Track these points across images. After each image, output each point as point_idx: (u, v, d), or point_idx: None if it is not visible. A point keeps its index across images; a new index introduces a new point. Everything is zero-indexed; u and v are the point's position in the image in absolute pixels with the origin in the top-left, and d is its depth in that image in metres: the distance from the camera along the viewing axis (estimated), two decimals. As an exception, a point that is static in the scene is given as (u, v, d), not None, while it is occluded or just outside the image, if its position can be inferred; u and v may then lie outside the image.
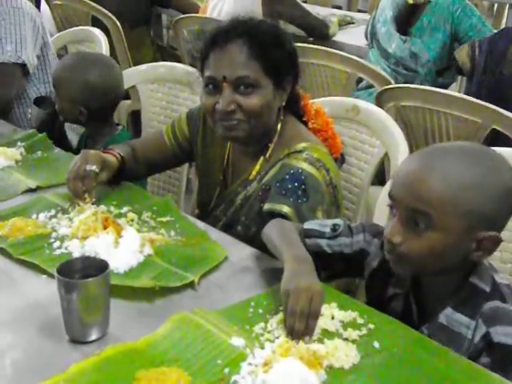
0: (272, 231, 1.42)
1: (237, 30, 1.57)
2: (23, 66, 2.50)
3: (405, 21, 3.02)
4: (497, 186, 1.13)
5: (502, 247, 1.26)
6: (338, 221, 1.42)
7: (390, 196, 1.20)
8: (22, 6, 2.54)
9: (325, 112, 1.75)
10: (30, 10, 2.58)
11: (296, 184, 1.54)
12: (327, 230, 1.39)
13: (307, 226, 1.42)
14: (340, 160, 1.74)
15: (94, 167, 1.60)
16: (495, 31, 2.93)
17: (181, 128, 1.83)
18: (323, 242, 1.38)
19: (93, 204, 1.58)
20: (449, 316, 1.20)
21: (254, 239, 1.58)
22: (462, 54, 2.48)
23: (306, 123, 1.71)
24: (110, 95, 2.08)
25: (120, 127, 2.17)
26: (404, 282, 1.29)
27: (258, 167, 1.66)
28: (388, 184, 1.27)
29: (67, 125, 2.40)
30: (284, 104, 1.64)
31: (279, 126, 1.65)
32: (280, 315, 1.21)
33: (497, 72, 2.39)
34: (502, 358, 1.12)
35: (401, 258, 1.18)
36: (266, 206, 1.57)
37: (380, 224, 1.42)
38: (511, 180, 1.15)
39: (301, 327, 1.14)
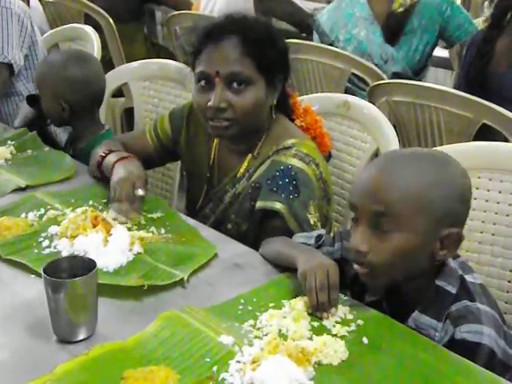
0: (274, 246, 1.44)
1: (231, 26, 1.56)
2: (9, 65, 2.49)
3: (394, 30, 2.88)
4: (454, 184, 1.17)
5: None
6: (322, 231, 1.45)
7: (351, 206, 1.20)
8: (10, 6, 2.52)
9: (313, 111, 1.74)
10: (19, 10, 2.56)
11: (287, 180, 1.54)
12: (312, 241, 1.41)
13: (295, 239, 1.45)
14: (326, 157, 1.74)
15: (142, 193, 1.58)
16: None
17: (163, 128, 1.83)
18: None
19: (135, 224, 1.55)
20: (416, 319, 1.21)
21: (244, 237, 1.59)
22: (452, 51, 2.44)
23: (293, 121, 1.71)
24: (89, 87, 2.08)
25: (106, 127, 2.16)
26: (378, 290, 1.30)
27: (245, 165, 1.65)
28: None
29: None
30: (275, 103, 1.63)
31: (269, 124, 1.64)
32: (270, 312, 1.21)
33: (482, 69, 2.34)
34: (459, 354, 1.11)
35: (371, 269, 1.18)
36: (259, 204, 1.56)
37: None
38: (463, 177, 1.19)
39: (324, 298, 1.19)
